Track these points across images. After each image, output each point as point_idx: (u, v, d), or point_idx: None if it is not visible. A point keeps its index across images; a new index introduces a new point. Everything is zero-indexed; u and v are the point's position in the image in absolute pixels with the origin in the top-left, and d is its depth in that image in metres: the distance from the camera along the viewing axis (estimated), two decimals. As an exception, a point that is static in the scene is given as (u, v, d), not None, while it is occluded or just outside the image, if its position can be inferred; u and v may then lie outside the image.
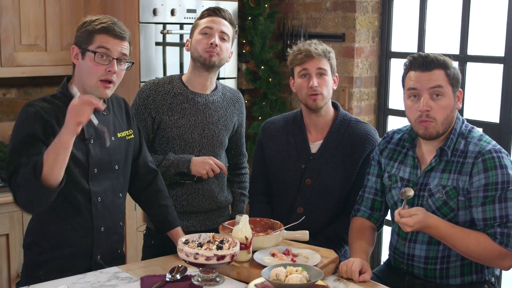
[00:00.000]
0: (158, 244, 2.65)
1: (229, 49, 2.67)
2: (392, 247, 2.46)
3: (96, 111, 2.22)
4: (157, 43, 3.66)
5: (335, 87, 2.66)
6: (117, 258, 2.38)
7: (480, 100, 3.70)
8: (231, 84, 4.00)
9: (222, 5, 3.84)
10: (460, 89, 2.29)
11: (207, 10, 2.66)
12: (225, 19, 2.64)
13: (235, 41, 3.92)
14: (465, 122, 2.33)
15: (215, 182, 2.72)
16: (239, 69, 4.30)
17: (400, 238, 2.39)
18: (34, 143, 2.08)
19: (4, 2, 3.35)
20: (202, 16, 2.67)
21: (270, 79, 4.29)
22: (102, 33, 2.17)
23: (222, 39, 2.62)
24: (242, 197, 2.89)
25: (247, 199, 2.92)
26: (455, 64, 2.30)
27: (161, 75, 3.64)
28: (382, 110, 4.14)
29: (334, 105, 2.72)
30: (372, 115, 4.14)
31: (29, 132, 2.09)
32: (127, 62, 2.23)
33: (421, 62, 2.24)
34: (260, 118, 4.31)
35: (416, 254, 2.33)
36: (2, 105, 3.75)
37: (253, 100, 4.44)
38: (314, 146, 2.66)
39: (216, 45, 2.59)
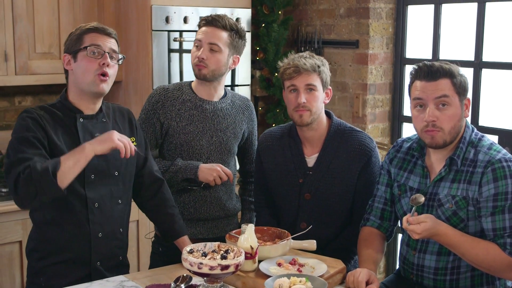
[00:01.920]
0: (166, 251, 2.64)
1: (223, 59, 2.59)
2: (402, 257, 2.42)
3: (94, 118, 2.27)
4: (170, 51, 3.67)
5: (327, 101, 2.58)
6: (120, 266, 2.38)
7: (496, 107, 3.65)
8: (245, 91, 3.99)
9: (236, 12, 3.84)
10: (468, 97, 2.25)
11: (202, 19, 2.62)
12: (218, 27, 2.57)
13: (248, 47, 3.93)
14: (475, 130, 2.29)
15: (223, 190, 2.71)
16: (253, 76, 4.29)
17: (410, 248, 2.35)
18: (35, 143, 2.13)
19: (18, 10, 3.39)
20: (198, 26, 2.64)
21: (284, 86, 4.27)
22: (90, 32, 2.25)
23: (212, 50, 2.58)
24: (252, 205, 2.87)
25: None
26: (463, 71, 2.26)
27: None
28: (396, 117, 4.10)
29: (328, 113, 2.64)
30: (386, 122, 4.10)
31: (28, 134, 2.13)
32: (119, 59, 2.29)
33: (426, 72, 2.21)
34: (274, 125, 4.30)
35: (426, 264, 2.30)
36: (18, 112, 3.78)
37: (267, 107, 4.43)
38: (311, 160, 2.60)
39: (203, 59, 2.56)
